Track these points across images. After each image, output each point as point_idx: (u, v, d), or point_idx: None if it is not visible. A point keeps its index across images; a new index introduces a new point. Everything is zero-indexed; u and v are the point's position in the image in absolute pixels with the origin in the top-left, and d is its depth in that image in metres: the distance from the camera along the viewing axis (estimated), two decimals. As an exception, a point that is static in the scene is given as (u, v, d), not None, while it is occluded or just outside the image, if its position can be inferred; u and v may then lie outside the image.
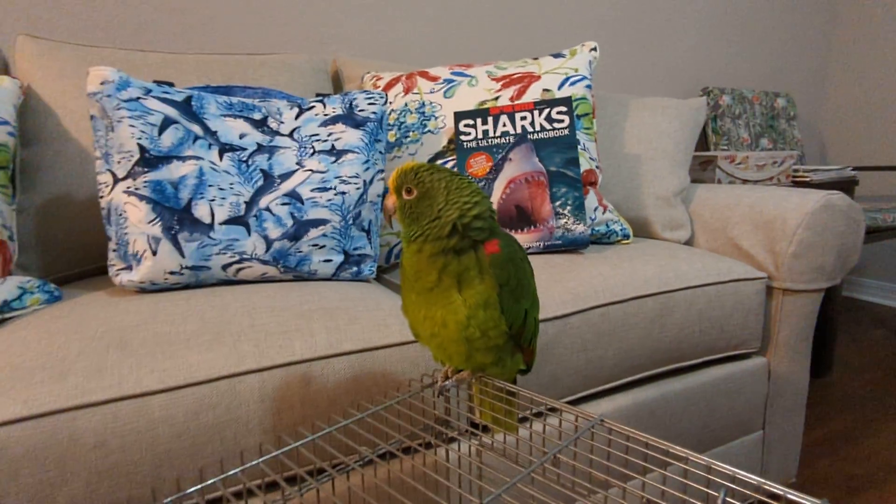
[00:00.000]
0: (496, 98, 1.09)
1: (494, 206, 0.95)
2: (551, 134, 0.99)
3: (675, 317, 0.89)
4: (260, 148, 0.86)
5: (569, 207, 0.96)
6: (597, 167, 1.09)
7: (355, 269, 0.89)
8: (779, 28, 2.43)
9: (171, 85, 0.85)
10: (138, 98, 0.79)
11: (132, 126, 0.77)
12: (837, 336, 2.13)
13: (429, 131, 1.09)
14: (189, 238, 0.77)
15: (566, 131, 0.99)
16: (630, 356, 0.87)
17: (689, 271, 0.93)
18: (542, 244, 0.96)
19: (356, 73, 1.28)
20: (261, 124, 0.88)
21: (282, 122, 0.90)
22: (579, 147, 1.07)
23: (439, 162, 1.06)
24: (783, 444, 1.09)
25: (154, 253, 0.76)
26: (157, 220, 0.76)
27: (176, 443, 0.57)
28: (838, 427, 1.46)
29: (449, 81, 1.13)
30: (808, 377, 1.09)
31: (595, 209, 1.04)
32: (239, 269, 0.81)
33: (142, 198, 0.76)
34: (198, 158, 0.80)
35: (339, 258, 0.87)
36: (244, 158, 0.84)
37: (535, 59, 1.18)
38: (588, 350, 0.82)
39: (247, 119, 0.87)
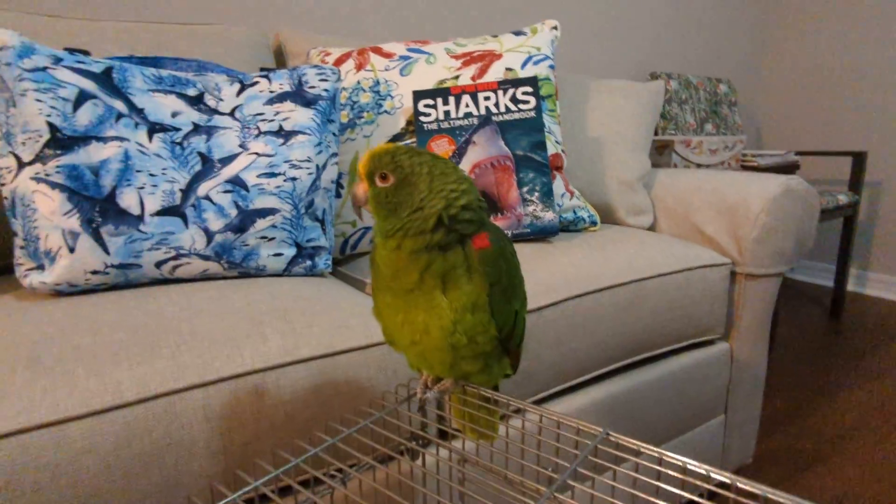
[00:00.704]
0: (456, 77, 1.03)
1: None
2: (517, 116, 0.94)
3: (647, 305, 0.87)
4: (196, 128, 0.75)
5: (537, 194, 0.91)
6: (562, 151, 1.05)
7: (309, 262, 0.81)
8: (719, 14, 2.48)
9: (86, 54, 0.73)
10: (46, 68, 0.67)
11: (39, 101, 0.66)
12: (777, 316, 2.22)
13: (385, 112, 1.01)
14: (114, 232, 0.67)
15: (532, 113, 0.94)
16: (603, 347, 0.83)
17: (659, 258, 0.91)
18: (510, 233, 0.91)
19: (301, 47, 1.17)
20: (196, 101, 0.78)
21: (221, 100, 0.80)
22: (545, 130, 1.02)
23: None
24: (743, 426, 1.11)
25: (71, 250, 0.65)
26: (75, 211, 0.65)
27: (104, 476, 0.48)
28: (782, 404, 1.52)
29: (405, 58, 1.06)
30: (767, 360, 1.10)
31: (562, 195, 1.00)
32: (175, 267, 0.72)
33: (54, 185, 0.65)
34: (122, 139, 0.69)
35: (290, 251, 0.79)
36: (178, 140, 0.74)
37: (495, 36, 1.12)
38: (562, 343, 0.78)
39: (180, 95, 0.77)
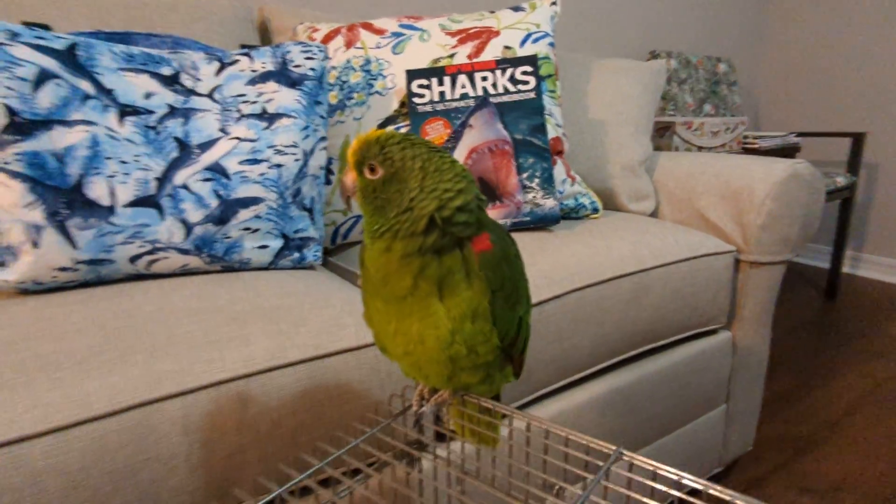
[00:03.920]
0: (452, 55, 0.97)
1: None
2: (516, 97, 0.89)
3: (651, 296, 0.83)
4: (172, 111, 0.70)
5: (537, 180, 0.86)
6: (563, 134, 1.00)
7: (297, 255, 0.77)
8: (721, -9, 2.41)
9: (46, 28, 0.67)
10: (1, 44, 0.61)
11: (-5, 81, 0.60)
12: (772, 297, 2.21)
13: (376, 92, 0.95)
14: (83, 225, 0.62)
15: (532, 94, 0.89)
16: (606, 341, 0.80)
17: (663, 247, 0.87)
18: (508, 221, 0.87)
19: (287, 23, 1.11)
20: (172, 81, 0.72)
21: (198, 80, 0.74)
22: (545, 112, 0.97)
23: (391, 128, 0.93)
24: (744, 415, 1.08)
25: (36, 245, 0.60)
26: (38, 202, 0.60)
27: (71, 497, 0.44)
28: (779, 388, 1.50)
29: (397, 35, 0.99)
30: (769, 348, 1.08)
31: (563, 181, 0.96)
32: (152, 262, 0.67)
33: (14, 175, 0.59)
34: (90, 123, 0.64)
35: (277, 243, 0.74)
36: (152, 124, 0.68)
37: (493, 12, 1.06)
38: (563, 339, 0.75)
39: (153, 75, 0.71)
